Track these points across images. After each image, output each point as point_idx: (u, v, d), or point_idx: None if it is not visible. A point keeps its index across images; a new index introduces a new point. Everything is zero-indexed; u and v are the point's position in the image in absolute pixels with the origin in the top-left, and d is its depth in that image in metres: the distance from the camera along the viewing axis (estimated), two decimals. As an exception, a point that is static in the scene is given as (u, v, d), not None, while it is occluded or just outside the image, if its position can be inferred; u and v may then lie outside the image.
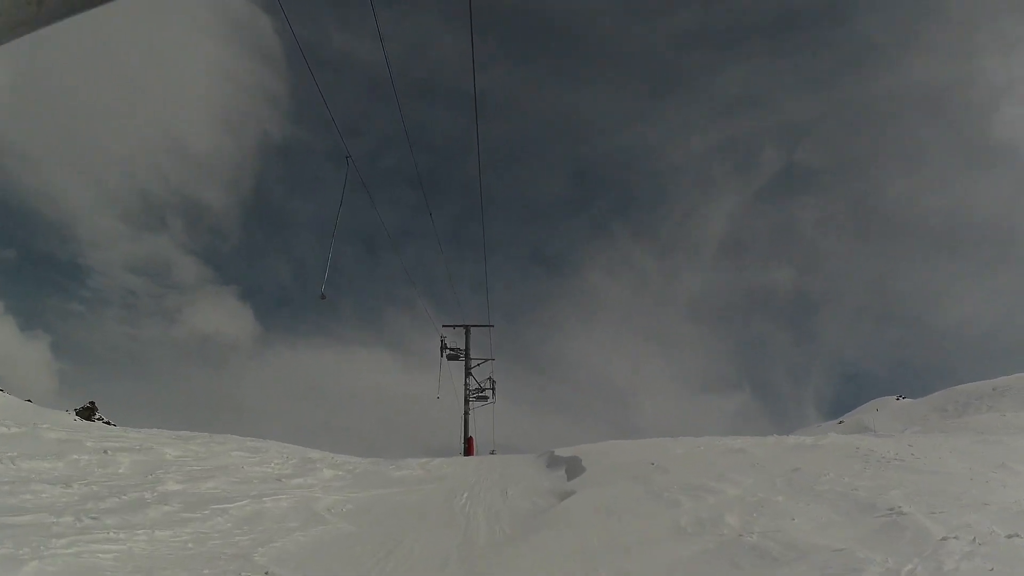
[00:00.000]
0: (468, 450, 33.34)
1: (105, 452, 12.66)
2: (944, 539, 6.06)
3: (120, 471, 11.95)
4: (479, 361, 36.14)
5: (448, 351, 35.74)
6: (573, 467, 16.48)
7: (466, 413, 34.47)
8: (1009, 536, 6.00)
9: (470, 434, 33.87)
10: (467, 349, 35.98)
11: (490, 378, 35.72)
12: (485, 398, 35.34)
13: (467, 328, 36.60)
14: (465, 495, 14.25)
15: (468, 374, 35.41)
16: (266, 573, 7.18)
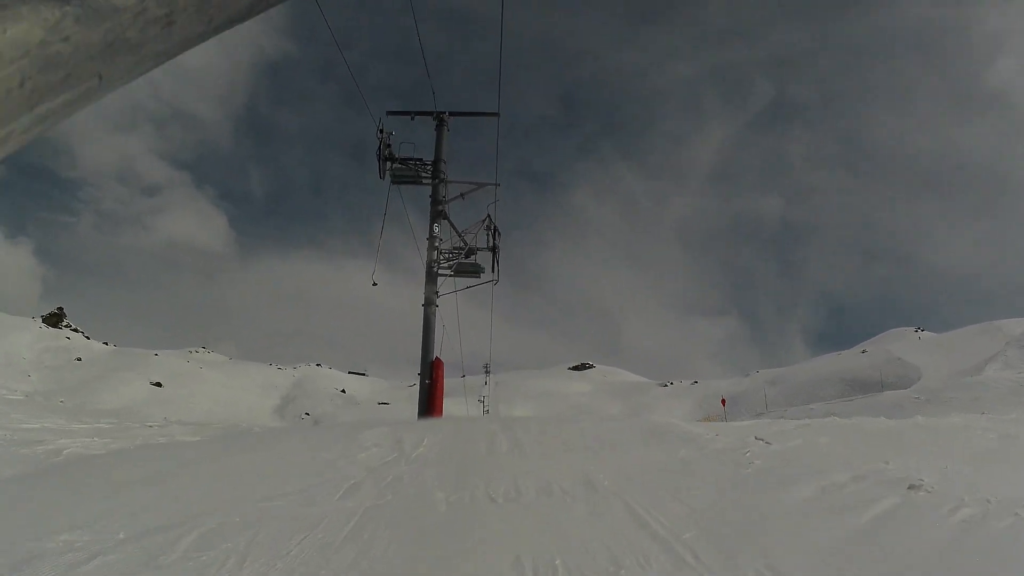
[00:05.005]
0: (431, 396, 16.61)
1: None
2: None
3: None
4: (467, 187, 18.74)
5: (395, 162, 18.35)
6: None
7: (429, 306, 17.46)
8: None
9: (435, 353, 17.02)
10: (437, 155, 18.48)
11: (487, 220, 18.30)
12: (474, 270, 18.11)
13: (439, 117, 19.03)
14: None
15: (439, 214, 18.06)
16: None
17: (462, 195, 18.65)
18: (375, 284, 16.92)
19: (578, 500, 5.82)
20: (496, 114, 19.18)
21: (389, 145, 18.58)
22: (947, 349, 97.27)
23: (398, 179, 18.80)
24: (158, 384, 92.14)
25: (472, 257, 18.19)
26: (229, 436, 12.70)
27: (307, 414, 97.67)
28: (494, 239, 18.21)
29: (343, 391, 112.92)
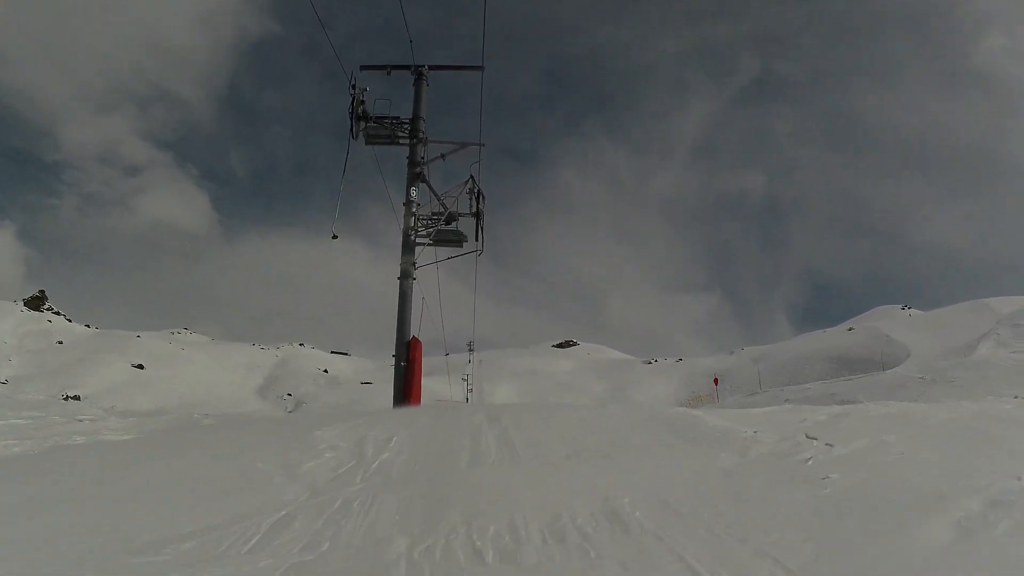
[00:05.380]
0: (408, 381, 14.69)
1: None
2: None
3: None
4: (448, 148, 16.74)
5: (369, 121, 16.32)
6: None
7: (405, 279, 15.51)
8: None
9: (413, 332, 15.11)
10: (416, 112, 16.46)
11: (470, 183, 16.32)
12: (456, 239, 16.12)
13: (417, 71, 16.98)
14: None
15: (417, 176, 16.06)
16: None
17: (442, 156, 16.58)
18: (335, 237, 14.48)
19: (605, 551, 3.91)
20: (480, 67, 17.11)
21: (363, 102, 16.47)
22: (936, 327, 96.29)
23: (372, 139, 16.71)
24: (140, 366, 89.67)
25: (453, 224, 16.12)
26: (167, 432, 10.73)
27: (289, 395, 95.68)
28: (478, 204, 16.13)
29: (326, 371, 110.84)
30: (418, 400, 14.76)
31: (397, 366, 15.24)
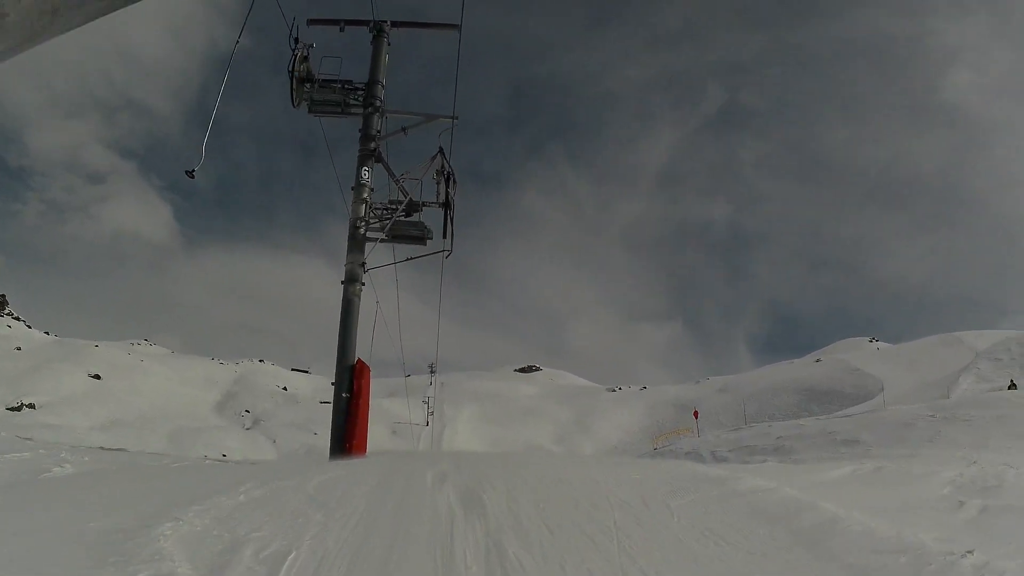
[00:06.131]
0: (350, 421, 10.88)
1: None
2: None
3: None
4: (412, 120, 13.15)
5: (314, 84, 12.70)
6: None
7: (351, 284, 11.70)
8: None
9: (356, 357, 11.36)
10: (373, 76, 12.88)
11: (439, 161, 12.61)
12: (418, 234, 12.42)
13: (378, 27, 13.41)
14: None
15: (370, 155, 12.40)
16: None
17: (404, 130, 12.89)
18: (192, 174, 10.52)
19: None
20: (456, 26, 13.59)
21: (307, 58, 12.84)
22: (907, 360, 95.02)
23: (318, 106, 13.05)
24: (97, 376, 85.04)
25: (415, 215, 12.43)
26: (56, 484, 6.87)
27: (247, 411, 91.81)
28: (447, 190, 12.36)
29: (285, 388, 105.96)
30: (363, 447, 10.95)
31: (336, 398, 11.47)
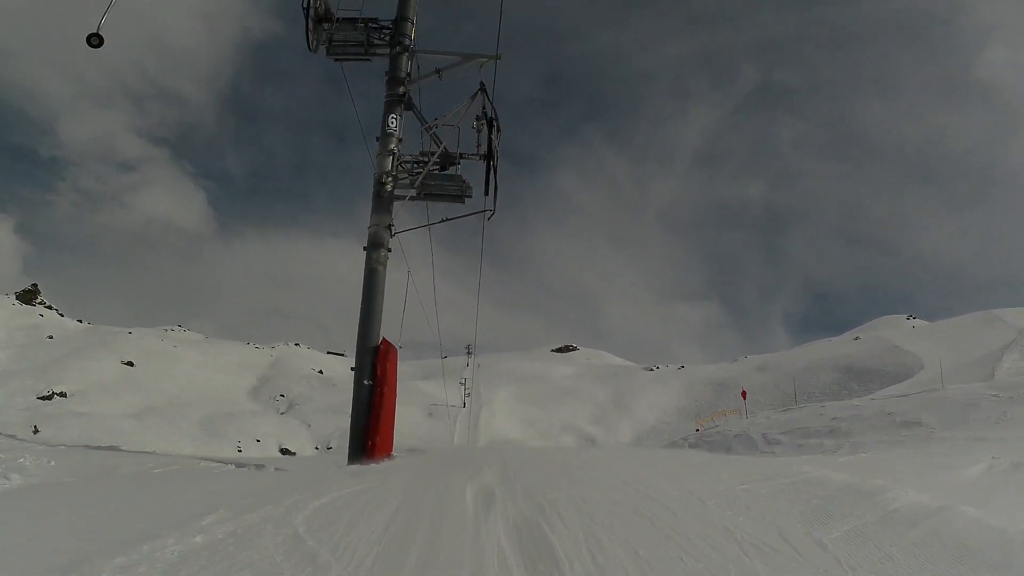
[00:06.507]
0: (372, 414, 8.95)
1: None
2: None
3: None
4: (448, 60, 11.17)
5: (334, 23, 10.75)
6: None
7: (376, 250, 9.81)
8: None
9: (380, 336, 9.51)
10: (402, 12, 10.94)
11: (481, 101, 10.65)
12: (457, 192, 10.49)
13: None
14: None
15: (399, 100, 10.48)
16: None
17: (438, 72, 10.97)
18: (93, 42, 8.37)
19: None
20: (497, -48, 11.62)
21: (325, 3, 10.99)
22: (946, 337, 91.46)
23: (339, 48, 11.17)
24: (130, 363, 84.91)
25: (452, 169, 10.56)
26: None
27: (282, 395, 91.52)
28: (490, 137, 10.34)
29: (320, 372, 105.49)
30: (387, 447, 9.18)
31: (356, 386, 9.68)
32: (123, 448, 13.07)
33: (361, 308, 9.82)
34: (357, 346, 9.73)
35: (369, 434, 9.06)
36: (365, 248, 10.00)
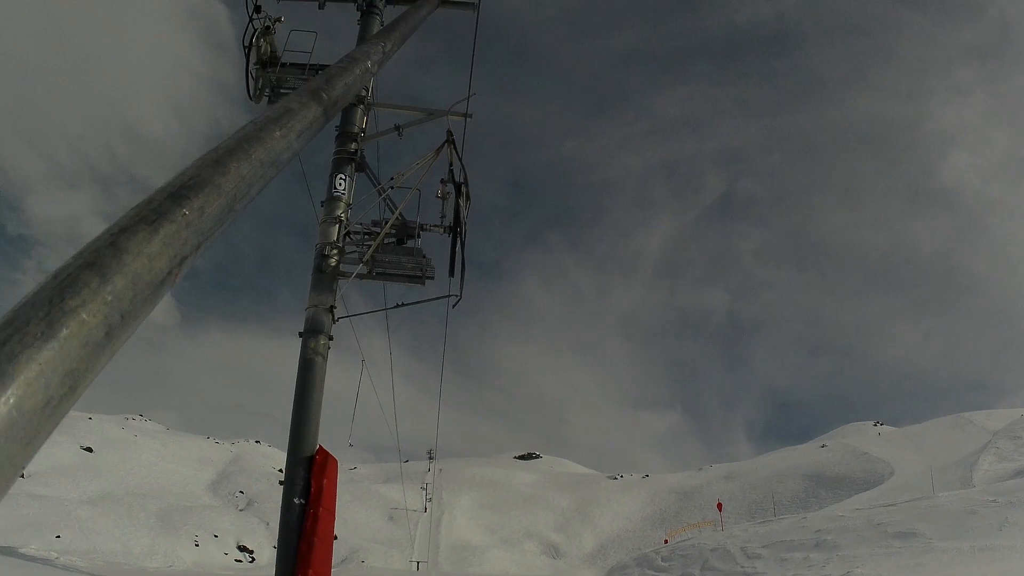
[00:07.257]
0: (305, 542, 6.49)
1: None
2: None
3: None
4: (410, 116, 9.32)
5: (279, 68, 8.94)
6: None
7: (312, 337, 7.66)
8: None
9: (316, 444, 7.20)
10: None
11: (448, 153, 8.69)
12: (415, 272, 8.40)
13: (369, 1, 9.75)
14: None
15: (348, 159, 8.54)
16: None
17: (398, 129, 9.17)
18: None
19: None
20: (473, 3, 10.10)
21: (267, 28, 9.25)
22: (916, 443, 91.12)
23: (270, 89, 9.38)
24: (88, 449, 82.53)
25: (411, 242, 8.59)
26: None
27: (241, 492, 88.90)
28: (458, 203, 8.40)
29: (280, 470, 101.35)
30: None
31: (285, 506, 7.36)
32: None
33: (293, 408, 7.62)
34: (288, 455, 7.44)
35: (300, 566, 6.71)
36: (301, 334, 7.88)
